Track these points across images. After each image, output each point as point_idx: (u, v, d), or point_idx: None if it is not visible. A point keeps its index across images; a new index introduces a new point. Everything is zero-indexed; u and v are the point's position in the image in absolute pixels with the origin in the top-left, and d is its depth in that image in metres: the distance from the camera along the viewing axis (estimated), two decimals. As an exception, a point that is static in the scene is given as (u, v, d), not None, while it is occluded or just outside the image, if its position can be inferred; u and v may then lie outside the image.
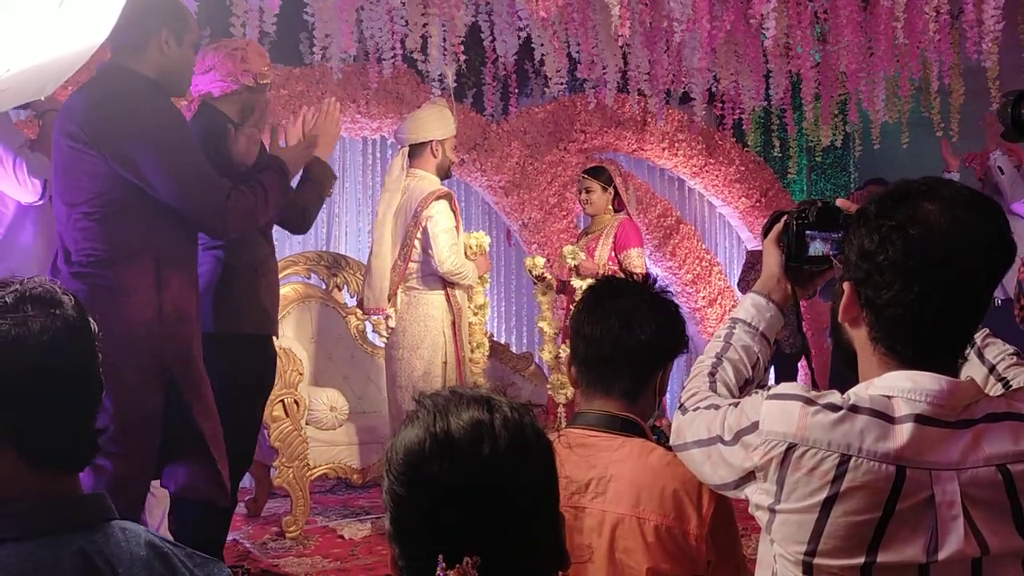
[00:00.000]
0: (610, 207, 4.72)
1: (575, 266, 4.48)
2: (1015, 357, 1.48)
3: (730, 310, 6.77)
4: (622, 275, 1.81)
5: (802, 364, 6.20)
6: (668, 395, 2.21)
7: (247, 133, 2.79)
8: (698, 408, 1.38)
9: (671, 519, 1.55)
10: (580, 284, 4.37)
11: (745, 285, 6.21)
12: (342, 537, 4.21)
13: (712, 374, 1.45)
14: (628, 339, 1.65)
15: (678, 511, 1.55)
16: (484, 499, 0.98)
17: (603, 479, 1.60)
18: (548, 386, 4.43)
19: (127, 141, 2.50)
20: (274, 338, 3.20)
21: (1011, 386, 1.42)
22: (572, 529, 1.54)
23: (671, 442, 1.41)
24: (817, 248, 1.48)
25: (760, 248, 5.97)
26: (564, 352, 4.36)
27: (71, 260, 2.55)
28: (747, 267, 6.28)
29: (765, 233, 1.56)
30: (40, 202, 2.99)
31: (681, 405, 1.42)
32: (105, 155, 2.49)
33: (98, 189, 2.52)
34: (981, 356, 1.48)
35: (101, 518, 1.15)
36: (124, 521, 1.18)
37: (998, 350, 1.47)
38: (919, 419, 1.16)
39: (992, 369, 1.47)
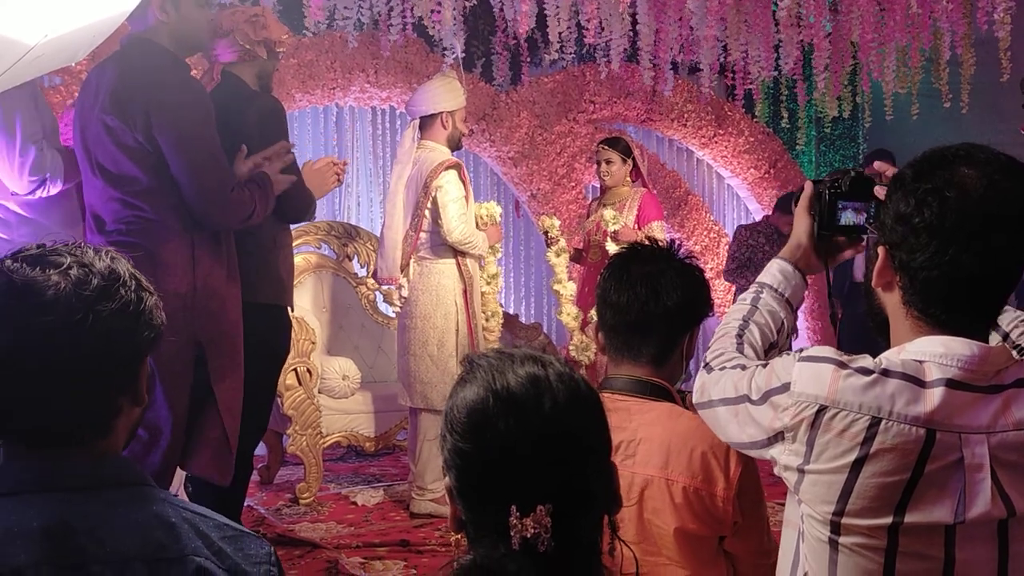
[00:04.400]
0: (628, 178, 4.73)
1: (615, 231, 4.49)
2: None
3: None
4: (647, 243, 1.82)
5: (807, 326, 6.16)
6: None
7: (280, 180, 2.88)
8: (724, 367, 1.39)
9: (699, 481, 1.58)
10: (615, 250, 4.35)
11: (736, 264, 5.83)
12: (355, 503, 4.25)
13: (739, 336, 1.46)
14: (655, 306, 1.68)
15: (706, 473, 1.58)
16: (548, 450, 1.02)
17: (633, 442, 1.63)
18: (571, 347, 4.45)
19: (150, 117, 2.54)
20: (289, 308, 3.24)
21: None
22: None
23: (694, 400, 1.43)
24: (849, 217, 1.49)
25: (750, 223, 5.88)
26: (594, 316, 4.38)
27: (106, 229, 2.59)
28: (738, 242, 5.91)
29: (796, 202, 1.57)
30: (29, 197, 2.94)
31: (706, 364, 1.44)
32: (131, 129, 2.52)
33: (133, 161, 2.56)
34: (995, 323, 1.49)
35: (106, 483, 1.14)
36: (150, 489, 1.17)
37: (1011, 317, 1.49)
38: (950, 383, 1.18)
39: (1006, 337, 1.49)
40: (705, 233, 6.95)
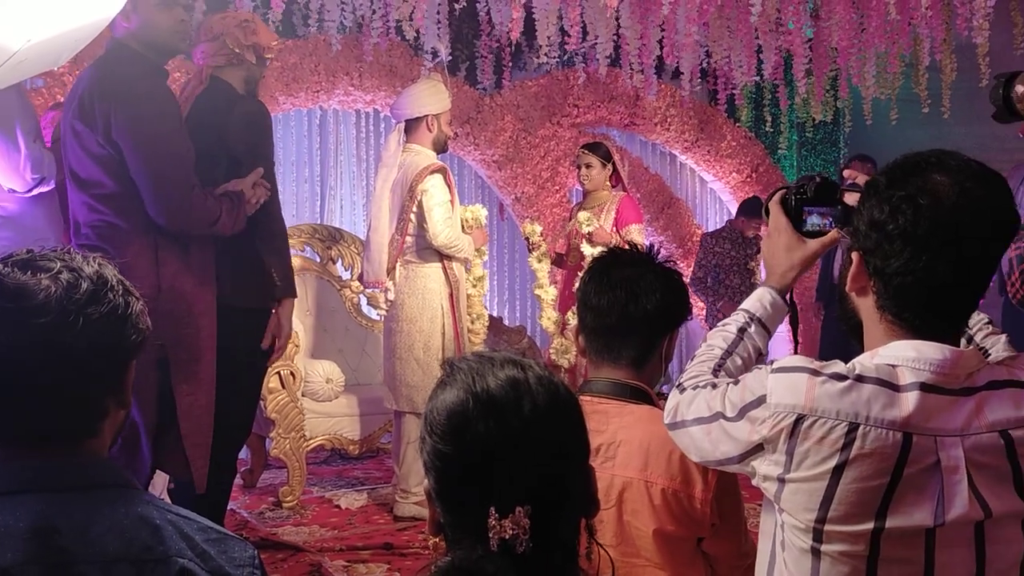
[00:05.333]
0: (607, 183, 4.76)
1: (589, 233, 4.51)
2: (990, 326, 1.53)
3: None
4: (627, 246, 1.84)
5: (786, 328, 6.23)
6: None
7: (258, 192, 2.89)
8: (697, 387, 1.40)
9: (677, 483, 1.60)
10: (591, 252, 4.37)
11: (704, 272, 5.94)
12: (339, 507, 4.26)
13: (720, 365, 1.47)
14: (635, 309, 1.69)
15: (684, 476, 1.60)
16: (527, 453, 1.03)
17: (613, 444, 1.65)
18: (551, 350, 4.47)
19: (110, 118, 2.57)
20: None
21: (989, 354, 1.47)
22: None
23: (665, 421, 1.43)
24: (814, 223, 1.51)
25: (713, 231, 5.91)
26: (572, 320, 4.39)
27: (80, 232, 2.61)
28: (704, 251, 6.03)
29: (766, 212, 1.59)
30: (27, 194, 2.97)
31: (679, 384, 1.45)
32: (93, 132, 2.56)
33: (98, 165, 2.58)
34: None
35: (92, 484, 1.15)
36: (134, 491, 1.18)
37: (974, 319, 1.52)
38: (924, 387, 1.20)
39: (970, 340, 1.51)
40: (688, 236, 6.98)
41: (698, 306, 6.85)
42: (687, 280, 6.36)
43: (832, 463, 1.19)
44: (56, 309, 1.12)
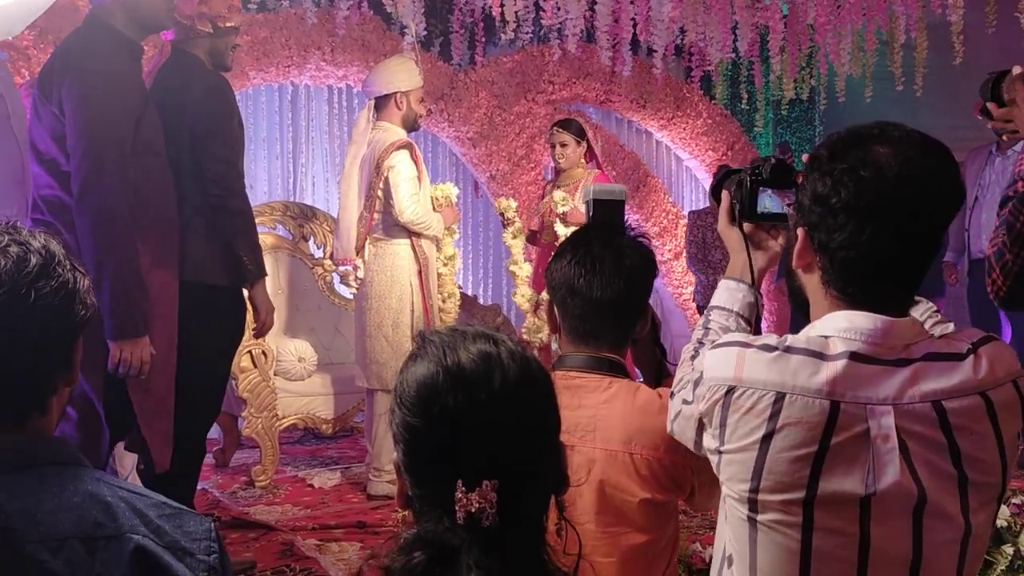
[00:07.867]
0: (582, 160, 4.72)
1: (563, 213, 4.48)
2: (938, 315, 1.52)
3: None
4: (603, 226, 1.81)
5: (764, 307, 6.26)
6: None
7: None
8: (681, 388, 1.43)
9: (662, 451, 1.61)
10: (565, 232, 4.34)
11: (694, 246, 5.89)
12: (312, 486, 4.23)
13: (693, 359, 1.48)
14: (608, 287, 1.67)
15: (667, 444, 1.60)
16: (496, 427, 1.02)
17: (593, 418, 1.64)
18: (523, 329, 4.45)
19: (63, 85, 2.50)
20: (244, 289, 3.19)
21: None
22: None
23: (669, 428, 1.46)
24: (765, 205, 1.49)
25: (699, 209, 5.88)
26: (544, 299, 4.37)
27: (37, 207, 2.56)
28: (691, 227, 5.98)
29: (713, 191, 1.59)
30: None
31: (672, 392, 1.47)
32: (48, 102, 2.51)
33: (53, 139, 2.53)
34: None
35: (40, 462, 1.14)
36: (84, 468, 1.17)
37: (922, 308, 1.51)
38: (854, 356, 1.19)
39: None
40: (663, 215, 6.98)
41: (674, 285, 6.85)
42: (683, 258, 6.36)
43: (760, 433, 1.19)
44: (7, 283, 1.11)
